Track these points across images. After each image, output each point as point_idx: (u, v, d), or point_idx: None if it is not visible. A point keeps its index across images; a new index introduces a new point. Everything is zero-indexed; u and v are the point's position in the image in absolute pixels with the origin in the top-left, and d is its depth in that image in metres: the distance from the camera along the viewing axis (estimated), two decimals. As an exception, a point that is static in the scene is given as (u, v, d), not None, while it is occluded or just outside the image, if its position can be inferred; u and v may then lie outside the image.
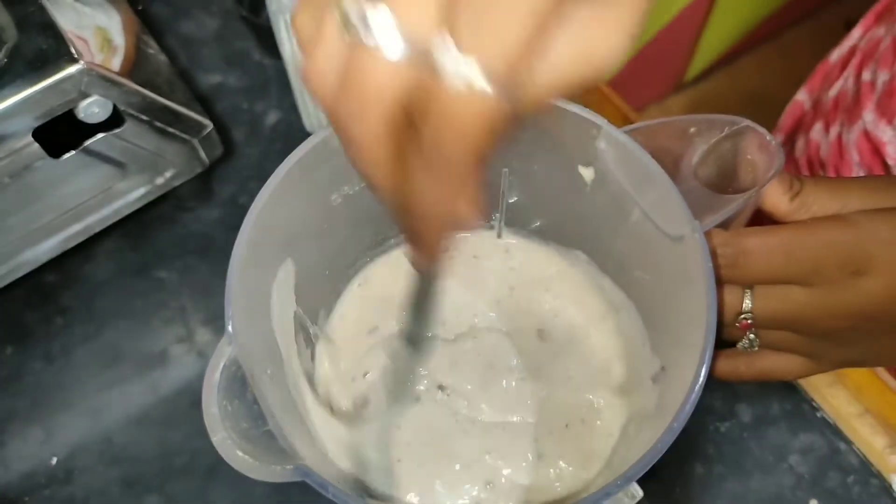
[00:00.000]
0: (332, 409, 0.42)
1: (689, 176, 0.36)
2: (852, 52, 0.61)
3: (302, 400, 0.39)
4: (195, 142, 0.49)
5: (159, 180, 0.50)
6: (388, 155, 0.24)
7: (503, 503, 0.39)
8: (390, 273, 0.46)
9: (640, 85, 1.37)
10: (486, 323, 0.44)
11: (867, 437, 0.48)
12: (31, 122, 0.42)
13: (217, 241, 0.55)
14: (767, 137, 0.36)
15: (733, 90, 1.48)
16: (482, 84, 0.21)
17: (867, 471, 0.47)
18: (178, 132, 0.48)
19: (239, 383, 0.31)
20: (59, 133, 0.44)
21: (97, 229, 0.51)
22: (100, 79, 0.42)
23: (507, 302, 0.44)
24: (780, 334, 0.39)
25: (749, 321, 0.38)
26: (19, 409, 0.50)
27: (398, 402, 0.42)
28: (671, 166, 0.35)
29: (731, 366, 0.41)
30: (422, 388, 0.42)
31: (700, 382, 0.30)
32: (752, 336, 0.39)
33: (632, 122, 0.37)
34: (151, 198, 0.51)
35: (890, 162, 0.53)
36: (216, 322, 0.52)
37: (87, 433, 0.49)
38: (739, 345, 0.40)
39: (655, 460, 0.29)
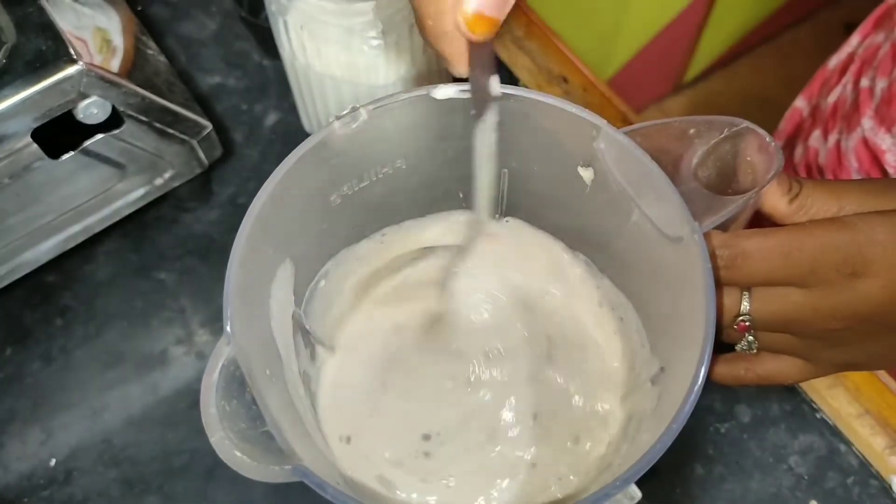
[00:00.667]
0: (337, 415, 0.42)
1: (689, 177, 0.36)
2: (851, 58, 0.61)
3: (300, 400, 0.39)
4: (194, 142, 0.49)
5: (158, 181, 0.50)
6: None
7: (502, 504, 0.39)
8: (391, 273, 0.46)
9: (640, 86, 1.37)
10: (484, 323, 0.44)
11: (867, 438, 0.48)
12: (30, 122, 0.42)
13: (216, 242, 0.55)
14: (767, 139, 0.36)
15: (732, 91, 1.48)
16: None
17: (867, 472, 0.47)
18: (177, 133, 0.48)
19: (237, 384, 0.31)
20: (58, 134, 0.44)
21: (97, 230, 0.51)
22: (99, 80, 0.42)
23: (506, 302, 0.44)
24: (779, 336, 0.39)
25: (747, 323, 0.38)
26: (18, 410, 0.50)
27: (396, 403, 0.42)
28: (671, 167, 0.35)
29: (730, 370, 0.41)
30: (428, 388, 0.42)
31: (699, 383, 0.30)
32: (750, 338, 0.39)
33: (631, 123, 0.37)
34: (151, 198, 0.51)
35: (889, 170, 0.53)
36: (215, 323, 0.52)
37: (86, 434, 0.49)
38: (738, 347, 0.40)
39: (654, 461, 0.29)
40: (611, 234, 0.40)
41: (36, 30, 0.42)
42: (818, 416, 0.48)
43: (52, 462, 0.48)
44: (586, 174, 0.38)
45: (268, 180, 0.34)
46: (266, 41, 0.55)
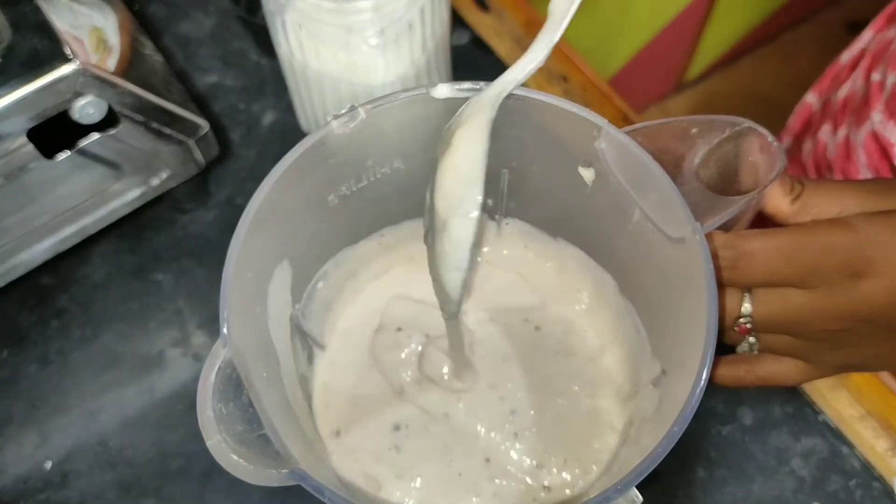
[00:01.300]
0: (328, 411, 0.42)
1: (691, 177, 0.35)
2: (862, 53, 0.61)
3: (298, 403, 0.39)
4: (191, 142, 0.49)
5: (155, 181, 0.50)
6: None
7: (502, 508, 0.39)
8: (391, 275, 0.45)
9: (641, 85, 1.37)
10: (485, 325, 0.44)
11: (869, 441, 0.48)
12: (25, 122, 0.41)
13: (213, 243, 0.55)
14: (769, 139, 0.36)
15: (734, 91, 1.48)
16: None
17: (869, 474, 0.47)
18: (173, 133, 0.48)
19: (234, 386, 0.31)
20: (54, 134, 0.43)
21: (92, 231, 0.50)
22: (95, 79, 0.42)
23: (507, 305, 0.44)
24: (780, 338, 0.38)
25: (748, 325, 0.38)
26: (14, 413, 0.49)
27: (395, 405, 0.42)
28: (672, 167, 0.35)
29: (732, 372, 0.41)
30: (420, 388, 0.42)
31: (701, 386, 0.30)
32: (751, 340, 0.39)
33: (632, 123, 0.37)
34: (147, 199, 0.51)
35: None
36: (212, 324, 0.52)
37: (82, 436, 0.49)
38: (739, 348, 0.40)
39: (656, 465, 0.29)
40: (612, 234, 0.39)
41: (31, 29, 0.42)
42: (820, 418, 0.48)
43: (49, 465, 0.48)
44: (587, 174, 0.37)
45: (265, 180, 0.34)
46: (263, 40, 0.55)
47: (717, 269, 0.35)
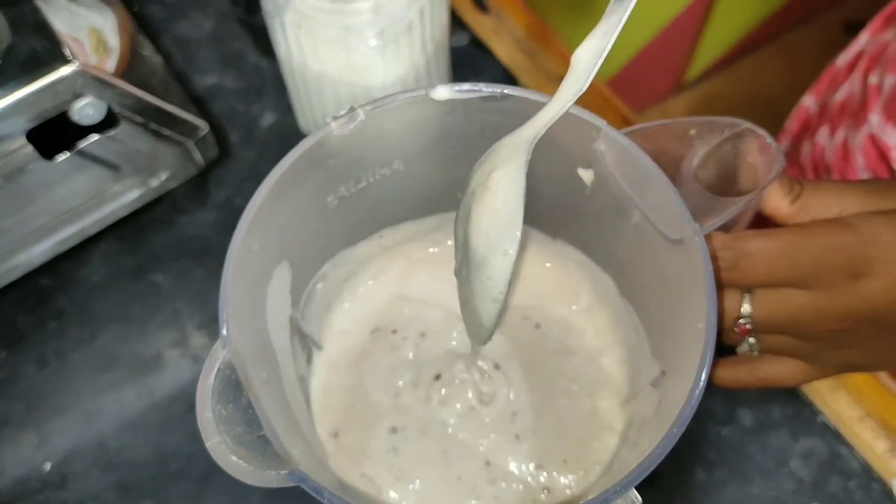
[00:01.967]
0: (327, 412, 0.42)
1: (690, 178, 0.35)
2: (859, 55, 0.61)
3: (297, 404, 0.39)
4: (190, 144, 0.49)
5: (154, 182, 0.50)
6: None
7: (501, 509, 0.39)
8: (389, 276, 0.45)
9: (640, 86, 1.37)
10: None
11: (868, 442, 0.48)
12: (24, 123, 0.41)
13: (212, 244, 0.55)
14: (768, 140, 0.36)
15: (733, 92, 1.48)
16: None
17: (869, 475, 0.47)
18: (173, 134, 0.47)
19: (233, 387, 0.31)
20: (53, 135, 0.43)
21: (92, 232, 0.50)
22: (94, 80, 0.42)
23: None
24: (780, 339, 0.38)
25: (748, 326, 0.38)
26: (13, 414, 0.49)
27: (391, 408, 0.41)
28: (671, 169, 0.35)
29: (732, 373, 0.41)
30: (418, 391, 0.42)
31: (700, 387, 0.30)
32: (751, 341, 0.39)
33: (631, 124, 0.37)
34: (146, 200, 0.51)
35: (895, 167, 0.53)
36: (211, 326, 0.52)
37: (81, 438, 0.49)
38: (739, 350, 0.40)
39: (655, 466, 0.29)
40: (611, 235, 0.39)
41: (30, 30, 0.42)
42: (820, 419, 0.48)
43: (47, 466, 0.48)
44: (586, 175, 0.37)
45: (264, 181, 0.34)
46: (263, 41, 0.55)
47: (717, 270, 0.35)
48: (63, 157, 0.45)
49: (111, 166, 0.47)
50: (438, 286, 0.44)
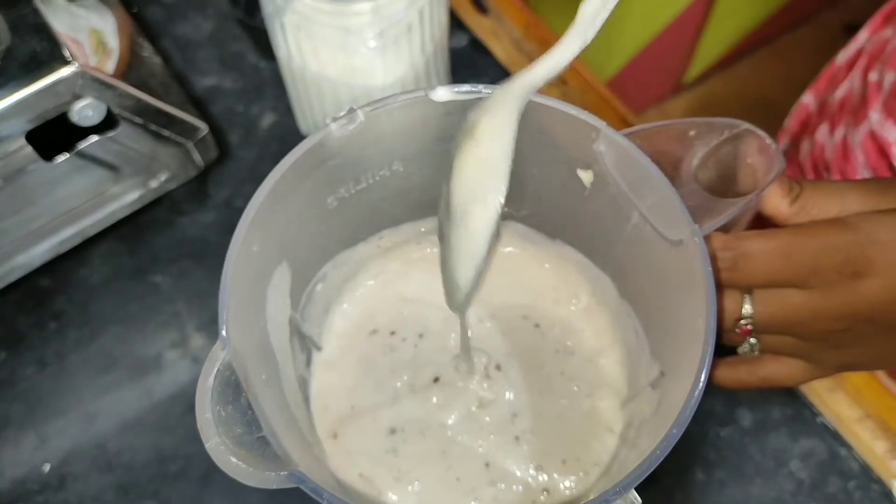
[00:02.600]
0: (326, 413, 0.42)
1: (689, 179, 0.35)
2: (859, 53, 0.61)
3: (296, 405, 0.39)
4: (190, 145, 0.49)
5: (153, 183, 0.50)
6: None
7: (501, 510, 0.39)
8: (388, 277, 0.45)
9: (639, 87, 1.37)
10: (484, 323, 0.44)
11: (868, 442, 0.48)
12: (24, 124, 0.41)
13: (212, 245, 0.55)
14: (767, 141, 0.36)
15: (732, 93, 1.48)
16: None
17: (868, 476, 0.47)
18: (172, 135, 0.48)
19: (233, 388, 0.31)
20: (53, 136, 0.43)
21: (91, 233, 0.50)
22: (94, 81, 0.42)
23: (505, 306, 0.44)
24: (781, 339, 0.38)
25: (749, 326, 0.38)
26: (12, 415, 0.49)
27: (390, 409, 0.41)
28: (671, 170, 0.35)
29: (732, 373, 0.41)
30: (417, 392, 0.42)
31: (700, 388, 0.30)
32: (752, 341, 0.39)
33: (631, 125, 0.37)
34: (146, 201, 0.51)
35: None
36: (211, 327, 0.52)
37: (80, 439, 0.49)
38: (740, 350, 0.40)
39: (654, 467, 0.29)
40: (610, 236, 0.39)
41: (30, 31, 0.42)
42: (819, 420, 0.48)
43: (47, 467, 0.48)
44: (586, 176, 0.37)
45: (264, 182, 0.34)
46: (262, 43, 0.55)
47: (717, 270, 0.35)
48: (63, 158, 0.45)
49: (111, 167, 0.47)
50: (437, 286, 0.44)
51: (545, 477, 0.39)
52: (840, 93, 0.61)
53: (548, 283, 0.44)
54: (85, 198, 0.48)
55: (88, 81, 0.42)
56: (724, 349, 0.40)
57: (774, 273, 0.35)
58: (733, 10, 1.32)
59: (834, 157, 0.59)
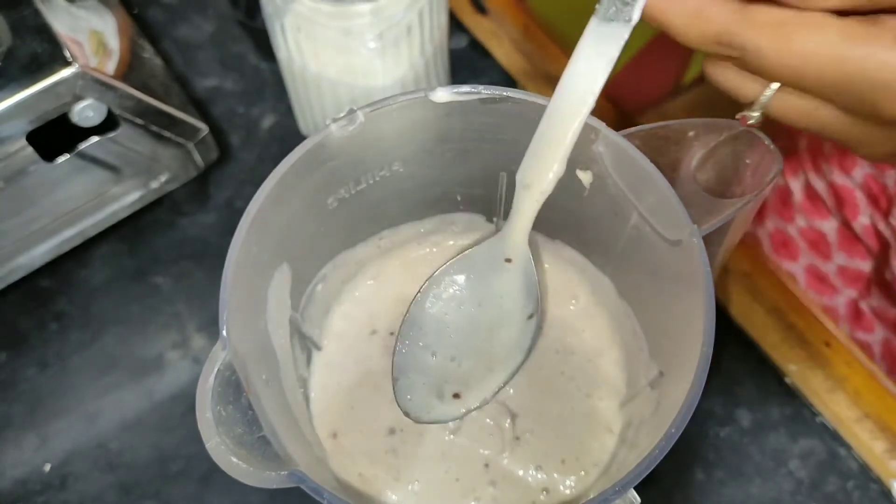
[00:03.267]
0: (326, 413, 0.42)
1: (688, 180, 0.35)
2: None
3: (297, 405, 0.39)
4: (190, 146, 0.49)
5: (154, 184, 0.50)
6: None
7: (501, 510, 0.39)
8: (387, 277, 0.46)
9: (639, 88, 1.37)
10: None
11: (867, 442, 0.48)
12: (24, 125, 0.42)
13: (213, 246, 0.55)
14: (766, 141, 0.36)
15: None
16: None
17: (867, 476, 0.47)
18: (173, 136, 0.48)
19: (233, 388, 0.31)
20: (53, 137, 0.44)
21: (92, 234, 0.50)
22: (94, 82, 0.42)
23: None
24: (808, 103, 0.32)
25: (752, 122, 0.33)
26: (13, 416, 0.49)
27: (389, 410, 0.42)
28: (670, 170, 0.35)
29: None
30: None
31: (699, 388, 0.30)
32: (765, 97, 0.33)
33: (630, 126, 0.37)
34: (146, 202, 0.51)
35: None
36: (211, 327, 0.52)
37: (81, 439, 0.49)
38: (741, 114, 0.34)
39: (653, 466, 0.29)
40: (609, 237, 0.39)
41: (31, 32, 0.42)
42: (818, 420, 0.48)
43: (48, 467, 0.48)
44: (585, 177, 0.38)
45: (264, 183, 0.34)
46: (263, 44, 0.55)
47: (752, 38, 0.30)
48: (63, 158, 0.45)
49: (111, 168, 0.47)
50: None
51: (545, 476, 0.39)
52: None
53: (547, 283, 0.45)
54: (86, 198, 0.48)
55: (89, 82, 0.42)
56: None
57: (822, 86, 0.29)
58: (733, 10, 1.32)
59: (833, 149, 0.59)
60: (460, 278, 0.40)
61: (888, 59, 0.28)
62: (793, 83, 0.31)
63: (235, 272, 0.32)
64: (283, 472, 0.30)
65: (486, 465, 0.40)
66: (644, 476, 0.29)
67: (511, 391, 0.41)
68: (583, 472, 0.39)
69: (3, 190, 0.44)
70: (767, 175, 0.36)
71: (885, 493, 0.46)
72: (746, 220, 0.39)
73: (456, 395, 0.40)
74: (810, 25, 0.29)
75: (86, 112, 0.43)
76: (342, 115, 0.35)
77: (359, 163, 0.38)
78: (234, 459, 0.30)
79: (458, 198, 0.43)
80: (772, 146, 0.35)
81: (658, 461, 0.29)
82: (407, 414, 0.39)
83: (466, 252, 0.39)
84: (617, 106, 0.58)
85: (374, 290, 0.45)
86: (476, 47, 0.62)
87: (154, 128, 0.46)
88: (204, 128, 0.49)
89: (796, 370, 0.49)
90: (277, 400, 0.36)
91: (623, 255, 0.40)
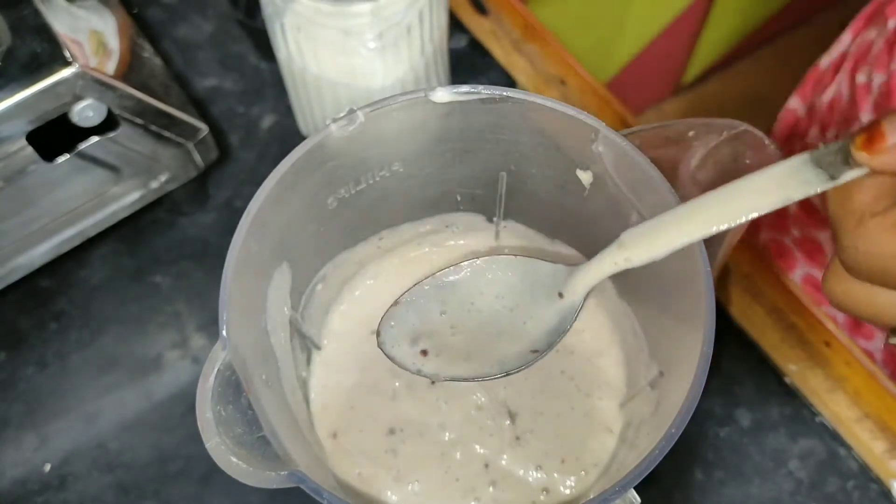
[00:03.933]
0: (326, 413, 0.42)
1: (688, 180, 0.36)
2: (843, 56, 0.61)
3: (297, 405, 0.39)
4: (190, 145, 0.49)
5: (154, 184, 0.50)
6: None
7: (500, 510, 0.39)
8: (387, 277, 0.46)
9: (638, 88, 1.37)
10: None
11: (867, 442, 0.48)
12: (24, 125, 0.42)
13: (212, 246, 0.55)
14: (766, 141, 0.36)
15: (731, 93, 1.48)
16: None
17: (867, 476, 0.47)
18: (172, 136, 0.48)
19: (233, 388, 0.31)
20: (53, 137, 0.44)
21: (92, 234, 0.50)
22: (94, 82, 0.42)
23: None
24: None
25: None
26: (13, 415, 0.49)
27: (389, 410, 0.42)
28: (669, 170, 0.35)
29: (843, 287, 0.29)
30: (416, 393, 0.42)
31: (699, 388, 0.30)
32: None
33: (630, 126, 0.37)
34: (146, 202, 0.51)
35: None
36: (211, 327, 0.52)
37: (81, 439, 0.49)
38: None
39: (653, 467, 0.29)
40: (609, 236, 0.39)
41: (31, 32, 0.42)
42: (818, 420, 0.48)
43: (47, 467, 0.48)
44: (585, 177, 0.38)
45: (264, 183, 0.34)
46: (262, 44, 0.55)
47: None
48: (63, 158, 0.45)
49: (111, 168, 0.47)
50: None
51: (545, 476, 0.39)
52: (828, 96, 0.61)
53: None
54: (85, 198, 0.48)
55: (89, 82, 0.42)
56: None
57: None
58: (733, 10, 1.32)
59: None
60: (514, 277, 0.38)
61: None
62: None
63: (235, 272, 0.32)
64: (282, 473, 0.30)
65: (486, 465, 0.40)
66: (644, 476, 0.29)
67: (512, 390, 0.41)
68: (583, 472, 0.39)
69: (2, 190, 0.44)
70: (767, 175, 0.35)
71: (885, 493, 0.46)
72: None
73: (424, 352, 0.38)
74: None
75: (86, 112, 0.43)
76: (342, 115, 0.35)
77: (359, 163, 0.38)
78: (234, 459, 0.30)
79: (458, 198, 0.43)
80: (772, 145, 0.35)
81: (658, 461, 0.29)
82: (378, 336, 0.37)
83: (534, 259, 0.38)
84: (617, 106, 0.58)
85: (374, 289, 0.45)
86: (476, 47, 0.61)
87: (154, 128, 0.46)
88: (204, 128, 0.49)
89: (796, 370, 0.49)
90: (277, 400, 0.36)
91: (623, 255, 0.40)
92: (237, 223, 0.33)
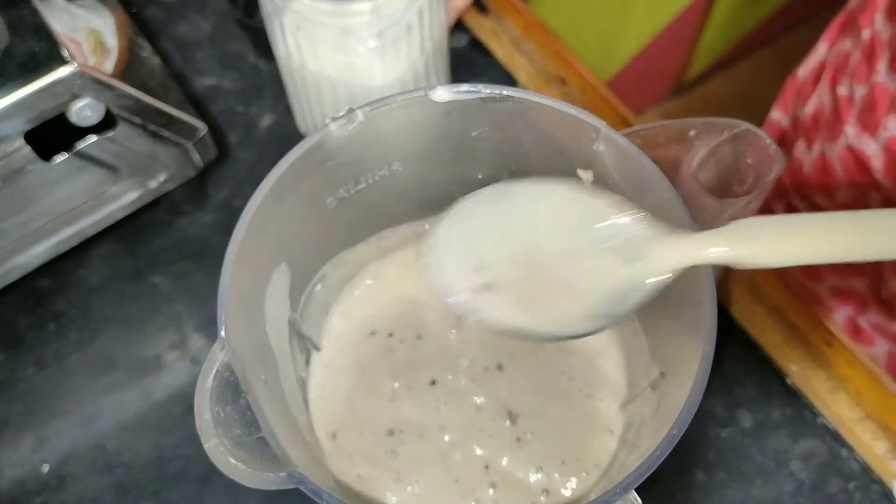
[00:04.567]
0: (325, 414, 0.42)
1: (689, 179, 0.35)
2: (822, 67, 0.61)
3: (296, 406, 0.39)
4: (189, 145, 0.49)
5: (152, 184, 0.50)
6: None
7: (501, 511, 0.39)
8: (387, 277, 0.45)
9: (640, 87, 1.37)
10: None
11: (868, 443, 0.47)
12: (22, 125, 0.41)
13: (211, 246, 0.54)
14: (767, 141, 0.36)
15: (732, 93, 1.48)
16: None
17: (868, 477, 0.47)
18: (171, 135, 0.47)
19: (232, 389, 0.31)
20: (51, 136, 0.43)
21: (90, 233, 0.50)
22: (92, 81, 0.42)
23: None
24: None
25: None
26: (11, 416, 0.49)
27: (388, 411, 0.41)
28: (670, 170, 0.35)
29: None
30: (415, 393, 0.42)
31: (700, 389, 0.30)
32: None
33: (631, 125, 0.37)
34: (145, 202, 0.51)
35: (877, 176, 0.53)
36: (210, 328, 0.52)
37: (79, 440, 0.49)
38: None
39: (654, 468, 0.29)
40: (610, 237, 0.39)
41: (29, 31, 0.42)
42: (819, 421, 0.48)
43: (45, 468, 0.48)
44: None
45: (263, 183, 0.34)
46: (261, 43, 0.55)
47: None
48: (61, 158, 0.45)
49: (109, 167, 0.47)
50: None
51: (545, 477, 0.39)
52: (810, 108, 0.61)
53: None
54: (84, 198, 0.48)
55: (87, 81, 0.42)
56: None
57: None
58: (733, 10, 1.32)
59: (812, 172, 0.59)
60: (574, 216, 0.32)
61: None
62: None
63: (234, 272, 0.32)
64: (281, 474, 0.30)
65: (486, 467, 0.40)
66: (645, 477, 0.29)
67: (512, 391, 0.41)
68: (584, 474, 0.39)
69: (0, 190, 0.44)
70: (769, 174, 0.35)
71: (887, 494, 0.46)
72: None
73: (487, 286, 0.32)
74: None
75: (84, 111, 0.43)
76: (341, 114, 0.35)
77: (358, 162, 0.38)
78: (233, 460, 0.30)
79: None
80: (773, 145, 0.35)
81: (659, 462, 0.29)
82: (426, 257, 0.32)
83: (608, 202, 0.32)
84: (618, 105, 0.58)
85: (374, 289, 0.45)
86: (476, 46, 0.61)
87: (152, 127, 0.46)
88: (202, 127, 0.49)
89: (797, 370, 0.49)
90: (276, 401, 0.36)
91: (624, 255, 0.39)
92: (236, 223, 0.33)
